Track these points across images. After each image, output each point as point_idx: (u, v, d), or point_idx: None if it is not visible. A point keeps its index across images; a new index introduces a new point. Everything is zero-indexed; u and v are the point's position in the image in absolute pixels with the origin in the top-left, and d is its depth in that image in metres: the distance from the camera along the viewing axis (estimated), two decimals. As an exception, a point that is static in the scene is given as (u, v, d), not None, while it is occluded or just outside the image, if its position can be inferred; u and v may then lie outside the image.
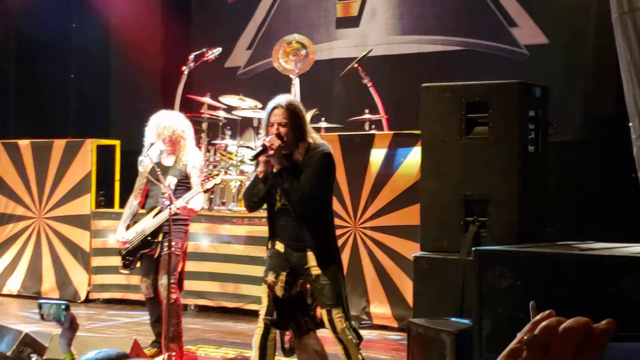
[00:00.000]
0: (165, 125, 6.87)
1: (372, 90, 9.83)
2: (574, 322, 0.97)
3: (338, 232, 5.81)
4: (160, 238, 6.80)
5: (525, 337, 0.98)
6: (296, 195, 5.07)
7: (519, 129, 5.77)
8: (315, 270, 5.17)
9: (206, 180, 6.73)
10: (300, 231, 5.18)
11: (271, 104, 5.28)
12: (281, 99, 5.27)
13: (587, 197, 9.41)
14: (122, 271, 7.18)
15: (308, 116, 6.11)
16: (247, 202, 5.39)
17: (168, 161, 6.93)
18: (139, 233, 6.88)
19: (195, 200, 6.77)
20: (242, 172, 9.77)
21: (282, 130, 5.14)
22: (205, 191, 6.97)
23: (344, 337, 5.19)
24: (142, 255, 6.92)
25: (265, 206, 5.40)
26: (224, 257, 9.22)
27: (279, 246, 5.29)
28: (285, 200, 5.17)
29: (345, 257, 8.03)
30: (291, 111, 5.20)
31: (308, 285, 5.20)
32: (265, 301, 5.24)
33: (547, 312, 1.00)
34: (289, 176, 5.08)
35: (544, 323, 0.98)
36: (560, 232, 6.98)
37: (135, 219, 7.03)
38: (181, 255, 6.86)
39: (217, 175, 6.86)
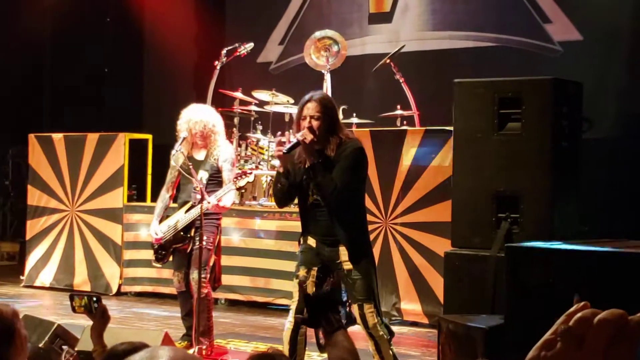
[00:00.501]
0: (196, 120, 6.88)
1: (404, 86, 9.80)
2: (608, 314, 0.97)
3: (369, 227, 5.79)
4: (192, 233, 6.82)
5: (559, 329, 0.98)
6: (328, 189, 5.07)
7: (552, 125, 5.72)
8: (347, 265, 5.16)
9: (239, 178, 6.73)
10: (333, 226, 5.17)
11: (304, 98, 5.28)
12: (314, 94, 5.28)
13: (620, 194, 9.34)
14: (154, 265, 7.23)
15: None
16: (274, 198, 5.43)
17: (199, 155, 6.95)
18: (172, 227, 6.91)
19: (227, 197, 6.78)
20: (273, 167, 9.77)
21: (315, 124, 5.14)
22: (238, 189, 6.98)
23: (376, 332, 5.17)
24: (175, 249, 6.95)
25: (297, 201, 5.41)
26: (255, 251, 9.23)
27: (311, 241, 5.29)
28: (317, 195, 5.17)
29: (375, 253, 7.99)
30: (324, 105, 5.20)
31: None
32: (296, 296, 5.24)
33: (582, 303, 1.00)
34: (321, 170, 5.08)
35: (578, 315, 0.98)
36: (592, 229, 6.92)
37: (166, 212, 7.07)
38: (213, 249, 6.88)
39: (250, 173, 6.85)
